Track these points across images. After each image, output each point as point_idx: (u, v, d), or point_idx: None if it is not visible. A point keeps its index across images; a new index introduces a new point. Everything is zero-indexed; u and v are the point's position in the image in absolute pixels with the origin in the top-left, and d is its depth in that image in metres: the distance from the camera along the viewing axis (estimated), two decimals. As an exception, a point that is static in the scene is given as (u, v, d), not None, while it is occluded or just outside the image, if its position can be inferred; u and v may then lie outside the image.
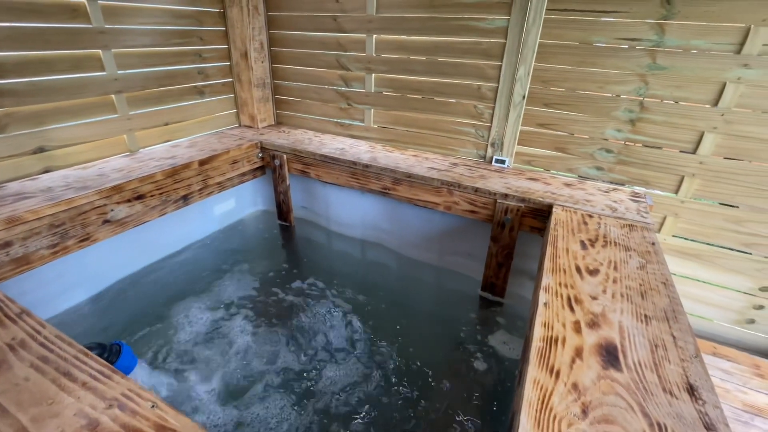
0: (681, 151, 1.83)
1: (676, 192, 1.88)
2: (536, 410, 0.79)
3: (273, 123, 2.94)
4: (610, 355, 0.94)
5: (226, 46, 2.61)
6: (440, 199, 2.03)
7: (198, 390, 1.52)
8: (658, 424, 0.77)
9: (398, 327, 1.90)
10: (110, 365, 0.83)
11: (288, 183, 2.57)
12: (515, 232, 1.89)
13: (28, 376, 0.80)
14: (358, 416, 1.45)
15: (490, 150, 2.23)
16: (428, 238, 2.31)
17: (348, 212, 2.57)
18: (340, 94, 2.60)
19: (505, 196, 1.86)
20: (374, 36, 2.32)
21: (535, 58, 1.94)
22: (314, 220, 2.75)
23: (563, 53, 1.89)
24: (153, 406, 0.76)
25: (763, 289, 1.87)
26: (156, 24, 2.15)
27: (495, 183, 1.96)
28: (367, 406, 1.49)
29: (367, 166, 2.19)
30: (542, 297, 1.13)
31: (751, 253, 1.81)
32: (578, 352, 0.94)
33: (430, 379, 1.62)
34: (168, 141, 2.38)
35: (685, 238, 1.91)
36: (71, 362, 0.84)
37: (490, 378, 1.65)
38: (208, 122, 2.63)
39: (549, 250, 1.37)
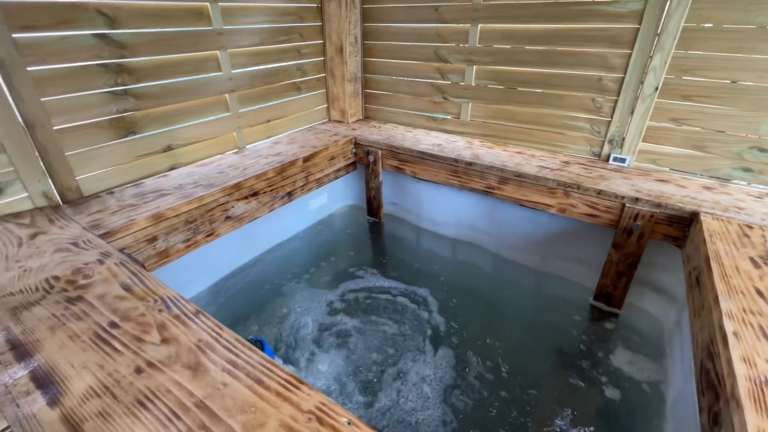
0: None
1: None
2: (776, 469, 0.69)
3: (361, 117, 2.93)
4: (842, 405, 0.80)
5: (322, 42, 2.61)
6: (554, 201, 1.90)
7: (317, 385, 1.56)
8: None
9: (492, 331, 1.82)
10: (296, 376, 0.84)
11: (381, 179, 2.55)
12: (645, 240, 1.71)
13: (225, 381, 0.83)
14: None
15: (606, 147, 2.05)
16: (532, 240, 2.19)
17: (441, 210, 2.50)
18: (435, 87, 2.51)
19: (636, 200, 1.69)
20: (479, 25, 2.20)
21: (675, 45, 1.72)
22: (404, 217, 2.73)
23: (714, 38, 1.65)
24: (349, 423, 0.75)
25: None
26: (264, 23, 2.20)
27: (620, 185, 1.79)
28: (450, 420, 1.44)
29: (469, 163, 2.10)
30: (729, 325, 1.00)
31: None
32: (801, 398, 0.81)
33: (536, 397, 1.53)
34: (269, 137, 2.45)
35: None
36: (259, 369, 0.86)
37: (619, 403, 1.52)
38: (302, 118, 2.68)
39: (716, 268, 1.21)
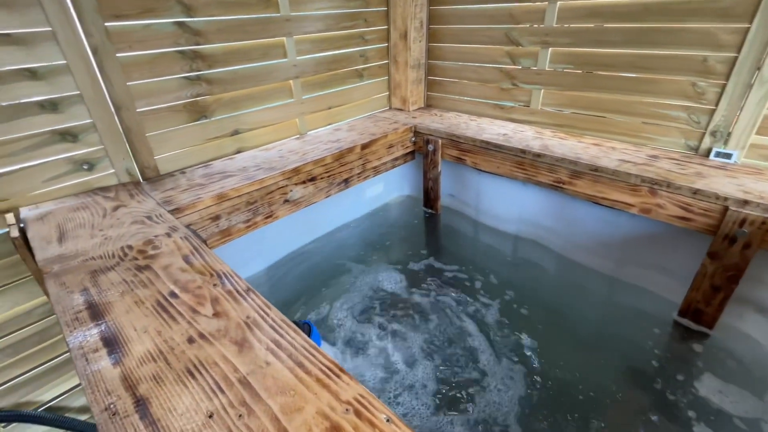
0: None
1: None
2: None
3: (423, 105, 2.85)
4: None
5: (386, 27, 2.56)
6: (636, 199, 1.68)
7: (365, 374, 1.54)
8: None
9: (556, 342, 1.65)
10: (337, 363, 0.82)
11: (440, 169, 2.46)
12: (752, 251, 1.44)
13: (268, 360, 0.83)
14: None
15: (708, 140, 1.75)
16: (605, 242, 1.96)
17: (502, 204, 2.35)
18: (504, 72, 2.35)
19: (744, 203, 1.42)
20: (558, 3, 2.00)
21: (813, 15, 1.40)
22: (462, 210, 2.61)
23: None
24: (388, 420, 0.71)
25: None
26: (330, 8, 2.20)
27: (722, 184, 1.52)
28: (544, 433, 1.32)
29: (538, 155, 1.93)
30: None
31: None
32: None
33: (601, 427, 1.35)
34: (330, 124, 2.47)
35: None
36: (301, 352, 0.85)
37: (705, 432, 1.31)
38: (363, 105, 2.66)
39: None
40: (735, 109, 1.64)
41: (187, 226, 1.41)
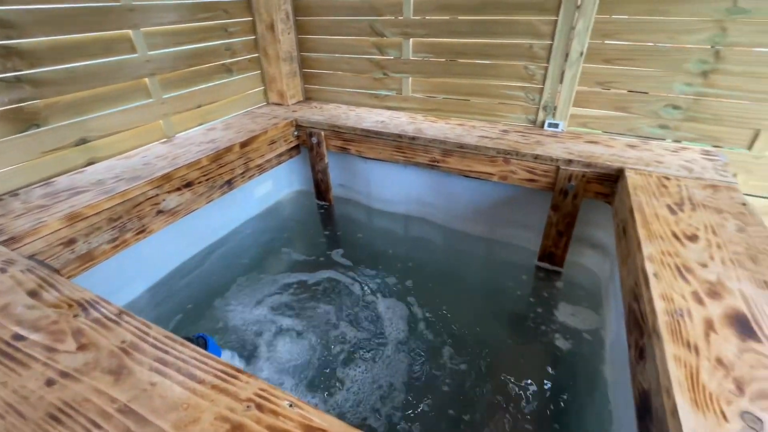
0: (757, 103, 1.71)
1: (750, 148, 1.78)
2: (689, 389, 0.75)
3: (302, 99, 2.82)
4: (743, 326, 0.89)
5: (251, 19, 2.45)
6: (495, 168, 1.95)
7: (270, 378, 1.52)
8: (824, 398, 0.73)
9: (451, 301, 1.86)
10: (232, 366, 0.80)
11: (327, 161, 2.48)
12: (579, 199, 1.81)
13: (153, 381, 0.77)
14: (413, 399, 1.44)
15: (541, 114, 2.12)
16: (478, 210, 2.24)
17: (390, 188, 2.49)
18: (374, 63, 2.46)
19: (569, 162, 1.77)
20: (412, -4, 2.16)
21: (596, 10, 1.79)
22: (354, 198, 2.69)
23: (630, 2, 1.73)
24: (291, 405, 0.72)
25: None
26: (181, -2, 2.02)
27: (554, 149, 1.86)
28: (424, 389, 1.48)
29: (413, 138, 2.09)
30: (649, 267, 1.07)
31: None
32: (709, 325, 0.89)
33: (491, 353, 1.60)
34: (201, 124, 2.29)
35: (760, 197, 1.82)
36: (192, 364, 0.80)
37: (564, 351, 1.62)
38: (237, 102, 2.52)
39: (638, 217, 1.30)
40: (556, 87, 2.01)
41: (30, 257, 1.19)
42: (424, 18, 2.19)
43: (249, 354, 1.61)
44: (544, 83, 2.04)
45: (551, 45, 1.95)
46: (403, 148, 2.15)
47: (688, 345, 0.84)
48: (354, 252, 2.23)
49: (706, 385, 0.76)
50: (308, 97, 2.84)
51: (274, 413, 0.71)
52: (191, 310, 1.85)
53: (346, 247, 2.28)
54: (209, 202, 1.96)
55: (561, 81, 1.98)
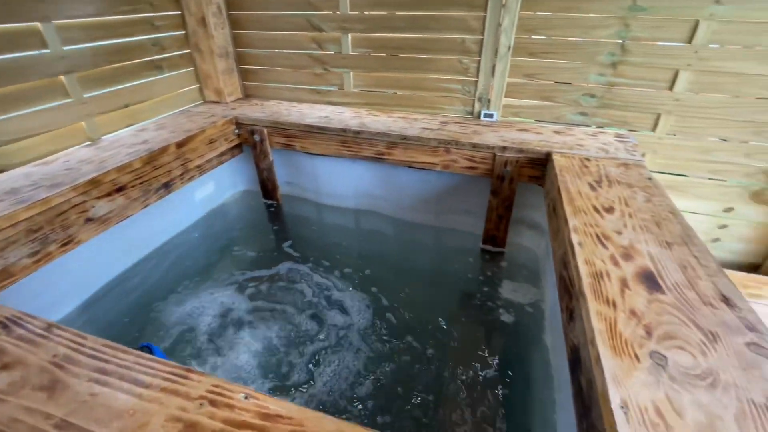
0: (658, 90, 1.94)
1: (654, 129, 2.01)
2: (609, 338, 0.85)
3: (241, 96, 2.73)
4: (650, 281, 1.02)
5: (179, 12, 2.33)
6: (438, 158, 2.03)
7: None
8: (711, 333, 0.86)
9: (404, 288, 1.93)
10: (182, 365, 0.78)
11: (271, 159, 2.43)
12: (515, 183, 1.94)
13: (93, 391, 0.72)
14: (379, 380, 1.49)
15: (477, 105, 2.24)
16: (425, 199, 2.32)
17: (338, 182, 2.50)
18: (313, 58, 2.44)
19: (504, 149, 1.89)
20: (348, -9, 2.18)
21: (519, 6, 1.92)
22: (302, 195, 2.66)
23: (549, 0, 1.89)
24: (246, 397, 0.72)
25: (727, 210, 2.10)
26: (98, -12, 1.86)
27: (490, 137, 1.98)
28: (388, 370, 1.53)
29: (357, 132, 2.11)
30: (575, 238, 1.19)
31: (725, 180, 2.01)
32: (624, 283, 1.01)
33: (443, 332, 1.68)
34: (131, 125, 2.14)
35: (663, 172, 2.08)
36: (136, 369, 0.77)
37: (510, 324, 1.74)
38: (170, 101, 2.39)
39: (564, 195, 1.43)
40: (489, 79, 2.14)
41: (-68, 277, 1.06)
42: (362, 13, 2.21)
43: (202, 360, 1.55)
44: (478, 76, 2.16)
45: (482, 40, 2.06)
46: (349, 143, 2.17)
47: (607, 301, 0.96)
48: (306, 248, 2.21)
49: (622, 333, 0.87)
50: (248, 95, 2.76)
51: (230, 407, 0.71)
52: (132, 321, 1.73)
53: (298, 244, 2.26)
54: (146, 206, 1.85)
55: (493, 74, 2.11)
